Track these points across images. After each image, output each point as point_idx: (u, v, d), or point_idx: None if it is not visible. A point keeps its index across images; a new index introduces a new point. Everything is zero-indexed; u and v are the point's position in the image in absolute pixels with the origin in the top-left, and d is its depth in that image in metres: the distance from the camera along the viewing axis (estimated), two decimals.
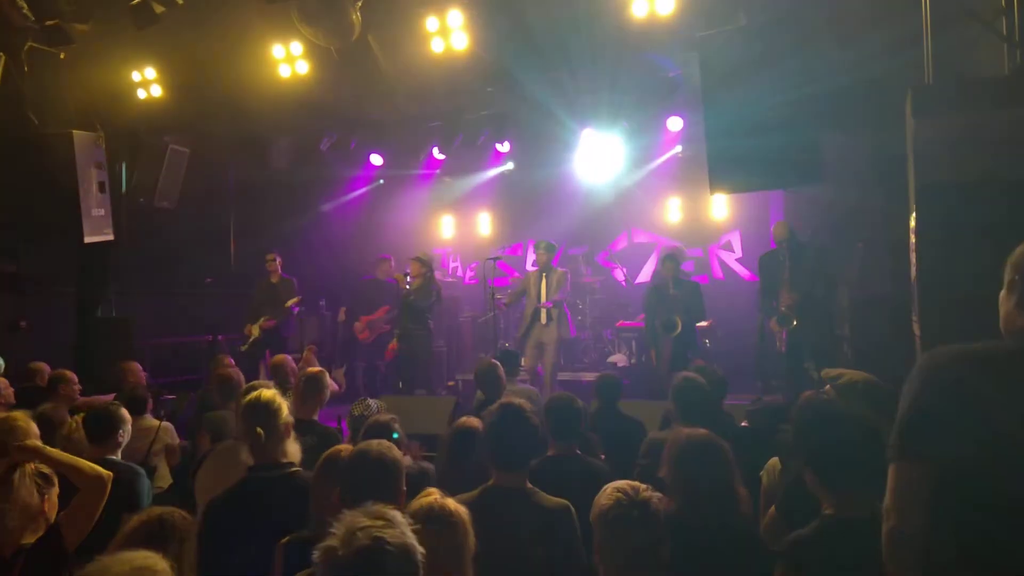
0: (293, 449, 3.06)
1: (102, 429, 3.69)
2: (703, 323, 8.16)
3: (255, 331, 8.78)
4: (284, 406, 3.05)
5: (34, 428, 3.26)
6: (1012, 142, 3.72)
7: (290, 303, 8.74)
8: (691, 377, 4.01)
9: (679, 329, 7.62)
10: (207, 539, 2.76)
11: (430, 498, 2.14)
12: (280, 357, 5.71)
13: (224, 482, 3.06)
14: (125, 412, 3.84)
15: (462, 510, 2.14)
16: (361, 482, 2.34)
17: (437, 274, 11.84)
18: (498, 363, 5.03)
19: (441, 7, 6.45)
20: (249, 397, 3.02)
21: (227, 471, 3.25)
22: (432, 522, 2.05)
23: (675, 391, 3.93)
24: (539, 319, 8.43)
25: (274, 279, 8.93)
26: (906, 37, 4.71)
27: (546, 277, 8.52)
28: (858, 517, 2.20)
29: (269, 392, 3.06)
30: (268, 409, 2.97)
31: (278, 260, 8.97)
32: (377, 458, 2.42)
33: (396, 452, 2.51)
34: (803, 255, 7.05)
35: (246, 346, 8.84)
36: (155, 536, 2.18)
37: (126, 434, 3.79)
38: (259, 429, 2.92)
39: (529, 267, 12.39)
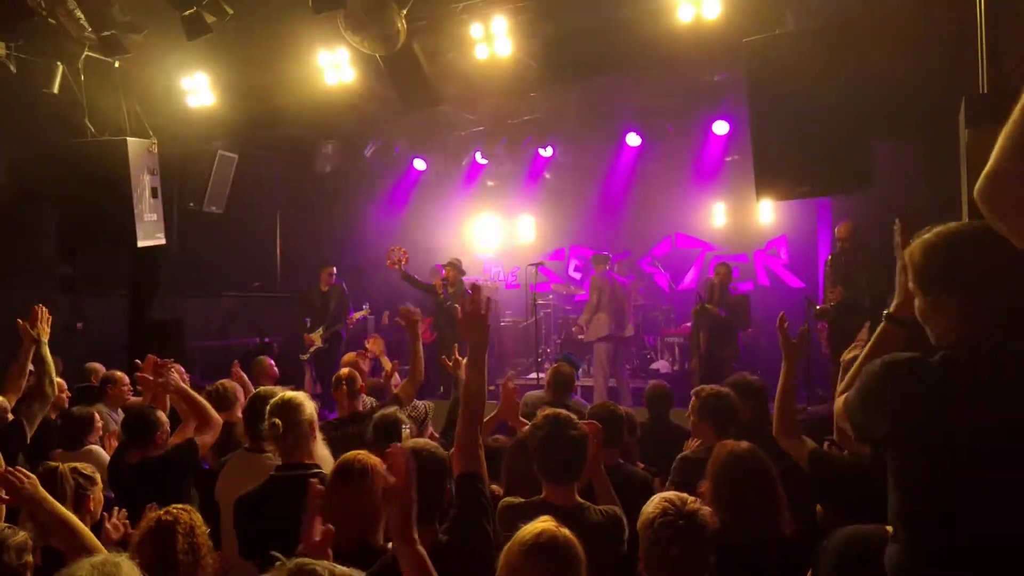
0: (323, 453, 3.11)
1: (140, 431, 3.72)
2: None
3: (317, 340, 9.04)
4: (308, 406, 3.07)
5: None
6: None
7: (358, 315, 9.39)
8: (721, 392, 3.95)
9: None
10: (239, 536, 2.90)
11: (546, 524, 2.01)
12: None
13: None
14: (163, 415, 3.85)
15: (576, 542, 1.99)
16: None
17: (479, 279, 11.94)
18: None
19: (486, 14, 6.45)
20: (275, 399, 3.07)
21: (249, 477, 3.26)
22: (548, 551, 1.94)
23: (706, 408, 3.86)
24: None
25: (324, 287, 9.21)
26: (959, 43, 4.54)
27: None
28: None
29: (291, 393, 3.12)
30: (289, 407, 3.01)
31: (333, 271, 9.27)
32: (428, 458, 2.40)
33: (443, 452, 2.51)
34: (859, 257, 6.87)
35: (307, 355, 9.09)
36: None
37: (165, 435, 3.78)
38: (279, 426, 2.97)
39: (572, 272, 12.39)
